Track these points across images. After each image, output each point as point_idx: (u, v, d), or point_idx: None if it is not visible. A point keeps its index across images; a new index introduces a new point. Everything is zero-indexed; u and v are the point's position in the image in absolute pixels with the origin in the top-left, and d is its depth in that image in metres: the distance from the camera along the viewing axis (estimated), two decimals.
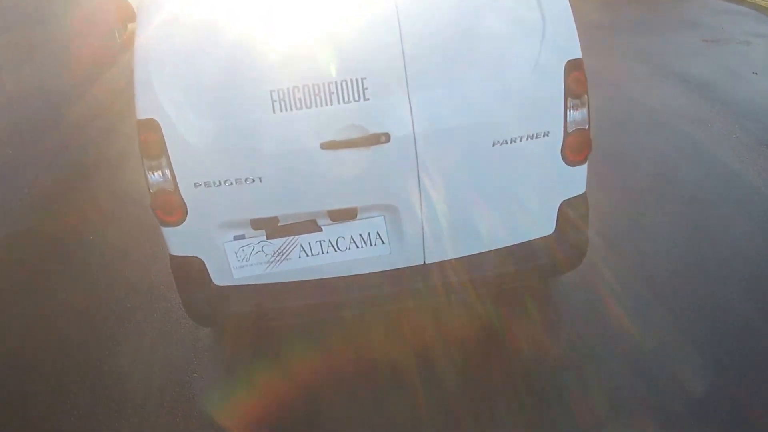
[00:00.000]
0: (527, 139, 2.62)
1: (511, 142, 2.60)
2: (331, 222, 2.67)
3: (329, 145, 2.47)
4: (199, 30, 2.40)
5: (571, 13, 2.55)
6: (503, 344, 3.14)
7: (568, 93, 2.61)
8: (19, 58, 5.38)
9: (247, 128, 2.48)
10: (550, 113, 2.63)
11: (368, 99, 2.44)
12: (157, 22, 2.39)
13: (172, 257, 2.75)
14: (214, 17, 2.39)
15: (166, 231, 2.65)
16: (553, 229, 2.85)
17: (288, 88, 2.42)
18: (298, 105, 2.44)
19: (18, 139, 5.13)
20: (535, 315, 3.33)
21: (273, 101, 2.43)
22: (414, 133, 2.49)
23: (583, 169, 2.79)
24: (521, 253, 2.81)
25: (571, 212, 2.83)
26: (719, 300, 3.31)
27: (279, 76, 2.42)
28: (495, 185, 2.69)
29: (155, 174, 2.53)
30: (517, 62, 2.53)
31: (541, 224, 2.85)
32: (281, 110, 2.44)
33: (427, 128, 2.50)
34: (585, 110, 2.69)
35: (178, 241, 2.68)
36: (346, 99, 2.43)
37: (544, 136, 2.64)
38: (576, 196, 2.83)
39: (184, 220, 2.59)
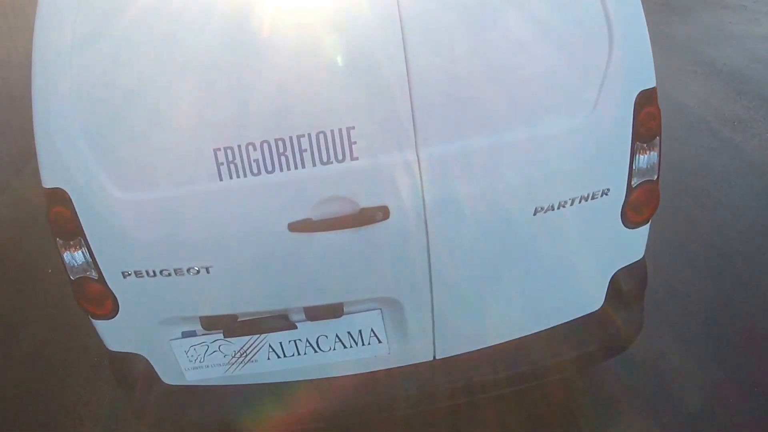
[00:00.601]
0: (580, 201, 1.88)
1: (558, 208, 1.85)
2: (308, 320, 1.95)
3: (302, 227, 1.72)
4: (115, 70, 1.64)
5: (646, 24, 1.79)
6: None
7: (638, 136, 1.87)
8: None
9: (184, 203, 1.73)
10: (612, 165, 1.90)
11: (357, 158, 1.68)
12: (58, 60, 1.64)
13: (110, 353, 2.11)
14: (135, 50, 1.62)
15: (98, 324, 2.02)
16: (602, 304, 2.16)
17: (239, 146, 1.66)
18: (255, 169, 1.68)
19: None
20: None
21: (219, 164, 1.67)
22: (424, 204, 1.74)
23: (644, 230, 2.08)
24: (557, 338, 2.15)
25: (624, 283, 2.14)
26: None
27: (226, 128, 1.65)
28: (532, 263, 1.98)
29: (73, 258, 1.88)
30: (572, 99, 1.77)
31: (586, 300, 2.16)
32: (231, 177, 1.69)
33: (443, 197, 1.74)
34: (656, 155, 1.97)
35: (114, 336, 2.05)
36: (326, 159, 1.67)
37: (602, 195, 1.91)
38: (632, 263, 2.14)
39: (116, 314, 1.95)
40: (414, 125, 1.67)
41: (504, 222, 1.83)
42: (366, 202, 1.71)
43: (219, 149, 1.65)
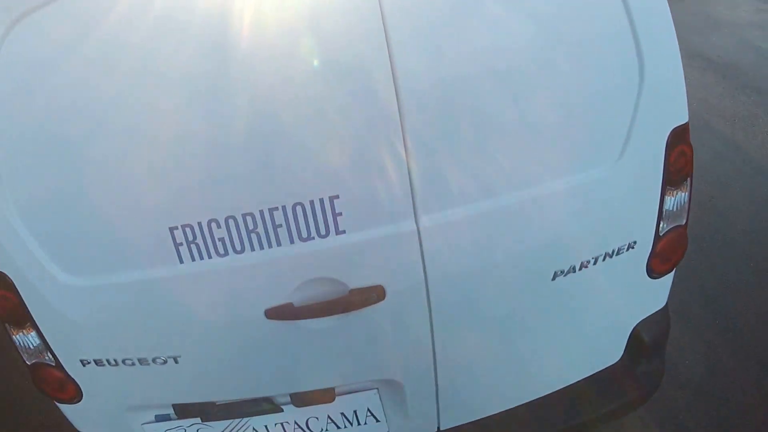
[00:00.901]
0: (604, 259, 1.63)
1: (580, 269, 1.60)
2: (294, 406, 1.69)
3: (281, 314, 1.44)
4: (48, 137, 1.35)
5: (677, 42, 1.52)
6: None
7: (669, 180, 1.61)
8: None
9: (141, 288, 1.45)
10: (640, 215, 1.64)
11: (344, 232, 1.40)
12: None
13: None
14: (72, 114, 1.32)
15: (63, 408, 1.78)
16: (620, 356, 1.94)
17: (200, 224, 1.37)
18: (221, 250, 1.40)
19: None
20: None
21: (177, 245, 1.39)
22: (426, 281, 1.47)
23: (668, 278, 1.85)
24: (572, 396, 1.93)
25: (646, 334, 1.92)
26: None
27: (183, 202, 1.37)
28: (548, 328, 1.73)
29: (25, 341, 1.64)
30: (597, 146, 1.50)
31: (604, 354, 1.94)
32: (192, 259, 1.41)
33: (449, 271, 1.48)
34: (686, 195, 1.71)
35: (81, 419, 1.82)
36: (305, 235, 1.39)
37: (628, 249, 1.66)
38: (654, 313, 1.91)
39: (80, 399, 1.71)
40: (412, 190, 1.39)
41: (520, 291, 1.57)
42: (356, 282, 1.43)
43: (176, 227, 1.37)
